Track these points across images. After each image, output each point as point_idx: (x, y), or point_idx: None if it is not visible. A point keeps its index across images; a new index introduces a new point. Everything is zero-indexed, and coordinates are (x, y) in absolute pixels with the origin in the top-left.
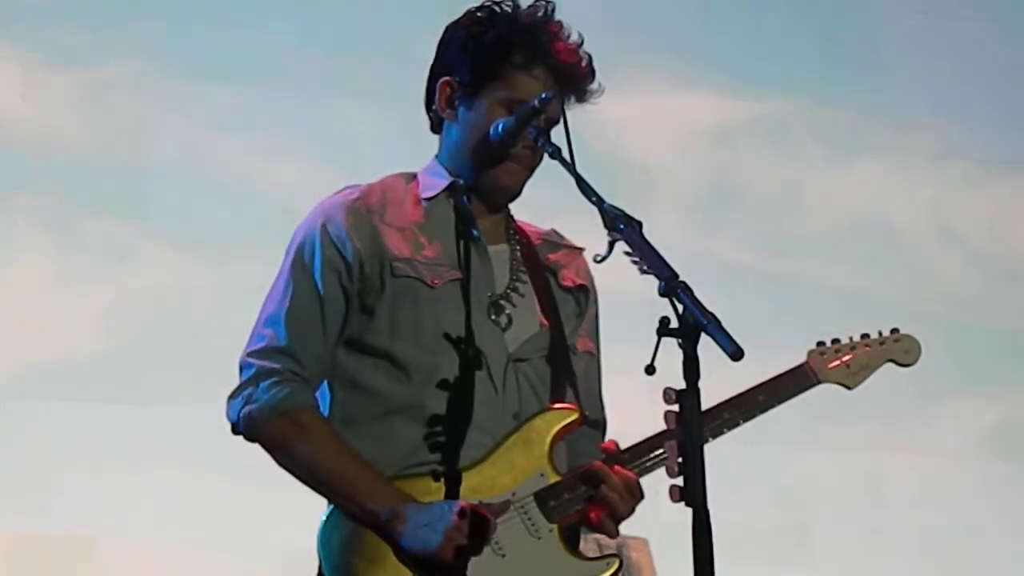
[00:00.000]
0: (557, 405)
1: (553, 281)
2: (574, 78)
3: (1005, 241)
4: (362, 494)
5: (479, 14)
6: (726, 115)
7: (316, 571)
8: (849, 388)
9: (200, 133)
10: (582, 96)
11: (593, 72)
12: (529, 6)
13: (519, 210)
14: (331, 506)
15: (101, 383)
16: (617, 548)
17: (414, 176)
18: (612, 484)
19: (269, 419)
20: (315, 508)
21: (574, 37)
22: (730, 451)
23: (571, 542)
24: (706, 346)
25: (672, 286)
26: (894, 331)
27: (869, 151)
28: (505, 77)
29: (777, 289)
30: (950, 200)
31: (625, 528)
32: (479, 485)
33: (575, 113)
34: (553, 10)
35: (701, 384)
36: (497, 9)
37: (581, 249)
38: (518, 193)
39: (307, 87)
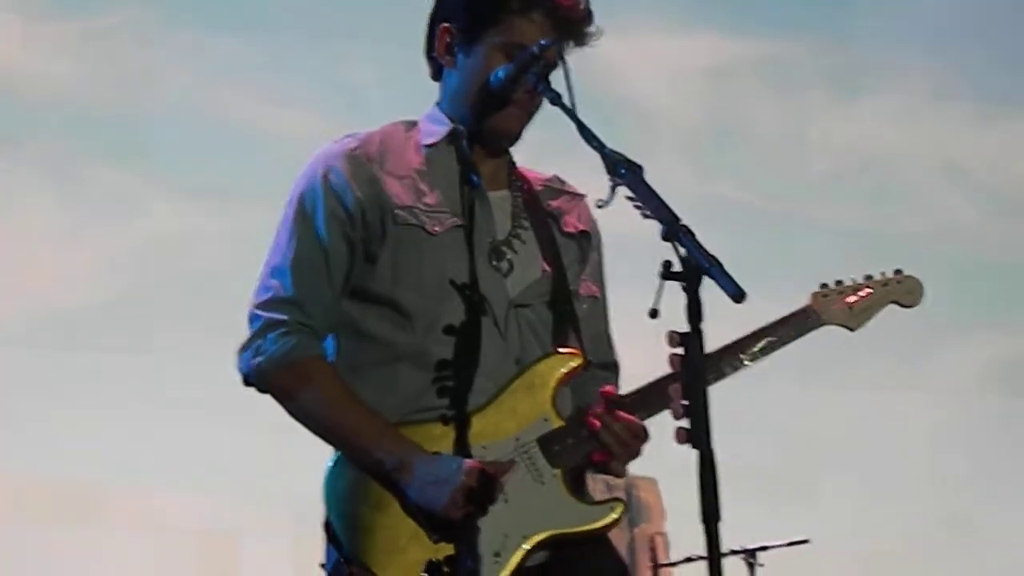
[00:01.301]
0: (561, 350)
1: (555, 227)
2: (571, 21)
3: (1007, 177)
4: (368, 442)
5: None
6: (727, 55)
7: (324, 519)
8: (852, 330)
9: (203, 81)
10: (580, 39)
11: (590, 15)
12: None
13: (520, 154)
14: (336, 454)
15: (107, 331)
16: (626, 488)
17: (414, 123)
18: (612, 428)
19: (278, 369)
20: (324, 456)
21: None
22: (737, 392)
23: (575, 485)
24: (709, 289)
25: (674, 230)
26: (897, 272)
27: (872, 90)
28: (503, 22)
29: (781, 229)
30: (952, 138)
31: (634, 468)
32: (483, 430)
33: (575, 56)
34: None
35: (704, 327)
36: None
37: (583, 195)
38: (518, 137)
39: (309, 34)
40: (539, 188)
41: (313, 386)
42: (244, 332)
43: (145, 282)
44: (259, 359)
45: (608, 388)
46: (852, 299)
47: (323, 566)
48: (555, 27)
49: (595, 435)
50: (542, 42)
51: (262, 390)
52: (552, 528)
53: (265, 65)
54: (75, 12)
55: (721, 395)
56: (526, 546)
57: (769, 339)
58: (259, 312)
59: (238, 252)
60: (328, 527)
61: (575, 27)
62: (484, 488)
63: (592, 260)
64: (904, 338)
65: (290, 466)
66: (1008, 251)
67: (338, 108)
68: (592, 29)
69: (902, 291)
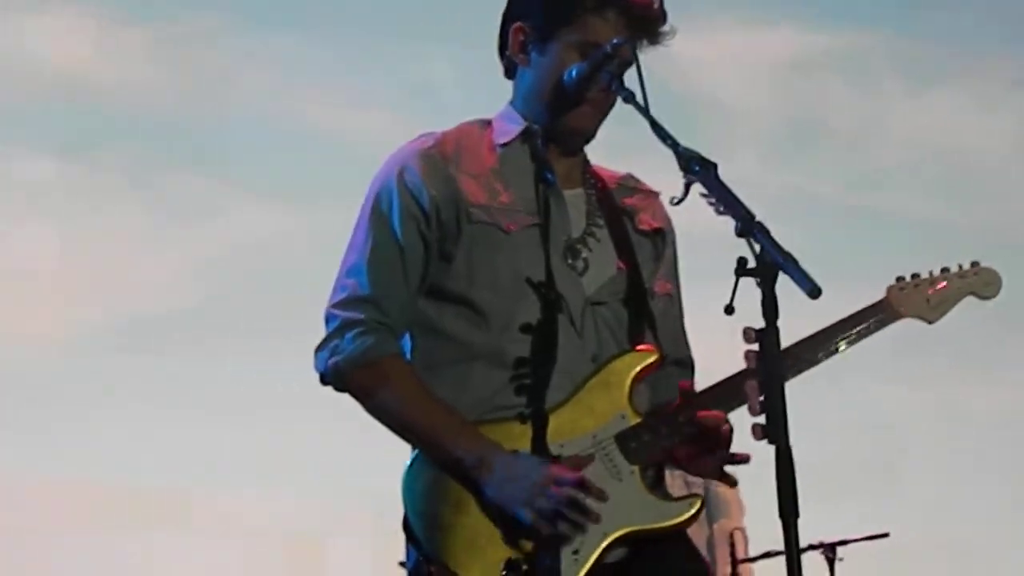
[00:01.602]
0: (637, 347)
1: (630, 225)
2: (646, 20)
3: None
4: (447, 439)
5: None
6: (802, 49)
7: (403, 518)
8: (930, 322)
9: (279, 84)
10: (654, 38)
11: (665, 14)
12: None
13: (595, 153)
14: (415, 452)
15: (192, 337)
16: (704, 484)
17: (489, 122)
18: (700, 423)
19: (355, 368)
20: (402, 455)
21: None
22: (815, 386)
23: (653, 482)
24: (784, 285)
25: (748, 226)
26: (974, 264)
27: (948, 81)
28: (577, 20)
29: (859, 222)
30: None
31: None
32: (560, 427)
33: (650, 53)
34: None
35: (780, 322)
36: None
37: (657, 193)
38: (592, 135)
39: (384, 35)
40: (613, 186)
41: (391, 384)
42: (322, 331)
43: (226, 287)
44: (336, 358)
45: (685, 383)
46: (929, 291)
47: (403, 564)
48: (629, 25)
49: (674, 431)
50: (615, 40)
51: (340, 389)
52: (630, 525)
53: (341, 67)
54: (150, 17)
55: (799, 390)
56: (604, 543)
57: (846, 333)
58: (336, 311)
59: (318, 254)
60: (407, 526)
61: (649, 25)
62: (566, 492)
63: (667, 257)
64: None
65: (369, 465)
66: None
67: (415, 108)
68: (666, 28)
69: (980, 283)
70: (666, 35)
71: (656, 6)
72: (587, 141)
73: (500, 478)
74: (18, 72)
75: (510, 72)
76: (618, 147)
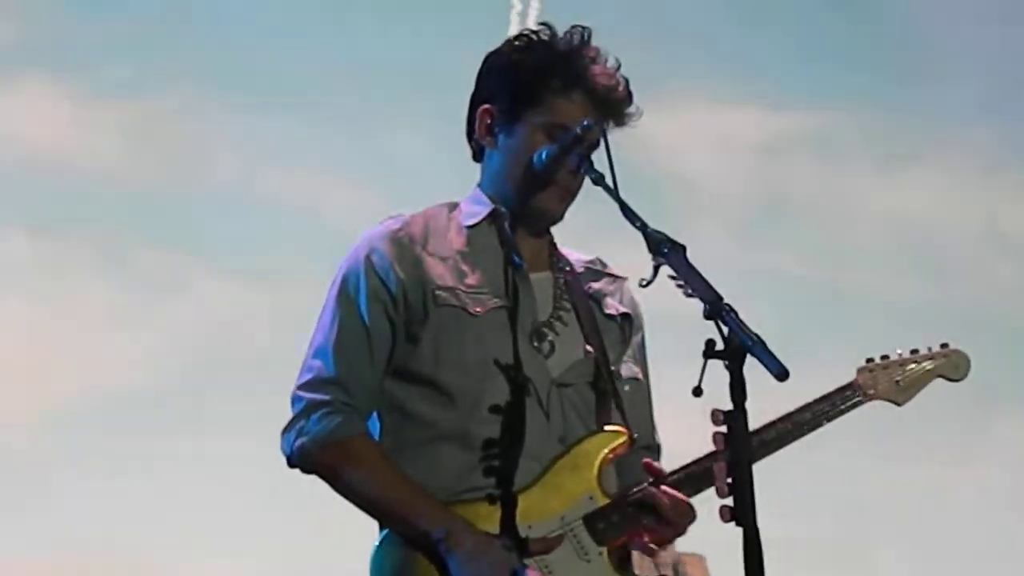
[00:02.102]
0: (606, 428)
1: (597, 309)
2: (612, 102)
3: None
4: (415, 514)
5: (517, 42)
6: (771, 129)
7: None
8: (899, 405)
9: (252, 162)
10: (621, 120)
11: (630, 95)
12: (566, 32)
13: (564, 233)
14: (383, 532)
15: (158, 413)
16: (674, 565)
17: (456, 205)
18: (661, 506)
19: (322, 449)
20: (369, 536)
21: (611, 62)
22: (791, 466)
23: (621, 563)
24: (752, 366)
25: (717, 308)
26: (943, 346)
27: (919, 159)
28: (543, 102)
29: (828, 301)
30: (1002, 208)
31: (681, 545)
32: (529, 509)
33: (621, 133)
34: (590, 36)
35: (748, 404)
36: (535, 37)
37: (625, 278)
38: (560, 218)
39: (356, 117)
40: (581, 270)
41: (358, 463)
42: (288, 412)
43: (192, 365)
44: (303, 439)
45: (651, 464)
46: (898, 373)
47: None
48: (595, 107)
49: (643, 514)
50: (585, 123)
51: (307, 471)
52: None
53: (312, 146)
54: (124, 94)
55: (771, 467)
56: None
57: (814, 416)
58: (301, 394)
59: (288, 332)
60: None
61: (615, 107)
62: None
63: (634, 342)
64: (956, 410)
65: (336, 542)
66: None
67: (383, 191)
68: (632, 109)
69: (949, 365)
70: (632, 116)
71: (621, 88)
72: (555, 223)
73: (466, 553)
74: None
75: (478, 155)
76: (587, 228)
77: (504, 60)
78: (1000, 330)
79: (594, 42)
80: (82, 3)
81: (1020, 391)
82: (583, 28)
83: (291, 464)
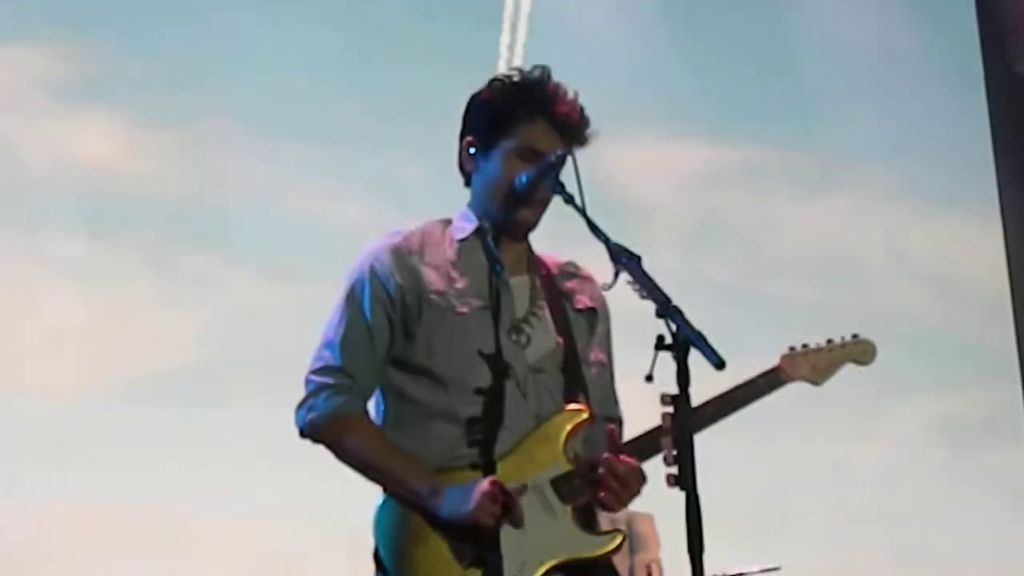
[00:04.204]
0: (571, 406)
1: (568, 305)
2: (570, 125)
3: (947, 265)
4: (405, 475)
5: (492, 84)
6: (711, 161)
7: (373, 550)
8: (817, 384)
9: (276, 181)
10: (581, 140)
11: (587, 119)
12: (529, 71)
13: (542, 241)
14: (384, 495)
15: (193, 390)
16: (627, 521)
17: (449, 221)
18: (615, 470)
19: (328, 422)
20: (373, 497)
21: (570, 94)
22: (722, 440)
23: (583, 519)
24: (695, 358)
25: (666, 309)
26: (855, 336)
27: (831, 189)
28: (513, 130)
29: (755, 306)
30: (899, 231)
31: (634, 505)
32: (506, 474)
33: (588, 164)
34: (550, 73)
35: (691, 389)
36: (506, 79)
37: (593, 279)
38: (535, 225)
39: (365, 143)
40: (556, 272)
41: (357, 435)
42: (302, 392)
43: (225, 349)
44: (312, 415)
45: (612, 432)
46: (815, 358)
47: None
48: (557, 131)
49: (600, 476)
50: (558, 152)
51: (315, 441)
52: (563, 555)
53: (327, 168)
54: (171, 123)
55: (705, 444)
56: (543, 569)
57: (744, 395)
58: (312, 377)
59: (305, 323)
60: (377, 557)
61: (573, 129)
62: (504, 499)
63: (599, 332)
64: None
65: (344, 503)
66: (945, 326)
67: (387, 206)
68: (589, 131)
69: (859, 351)
70: (590, 137)
71: (577, 113)
72: (532, 230)
73: (450, 500)
74: (56, 167)
75: (467, 181)
76: (561, 237)
77: (480, 98)
78: (896, 330)
79: (559, 79)
80: (133, 45)
81: (913, 381)
82: (543, 67)
83: (302, 435)
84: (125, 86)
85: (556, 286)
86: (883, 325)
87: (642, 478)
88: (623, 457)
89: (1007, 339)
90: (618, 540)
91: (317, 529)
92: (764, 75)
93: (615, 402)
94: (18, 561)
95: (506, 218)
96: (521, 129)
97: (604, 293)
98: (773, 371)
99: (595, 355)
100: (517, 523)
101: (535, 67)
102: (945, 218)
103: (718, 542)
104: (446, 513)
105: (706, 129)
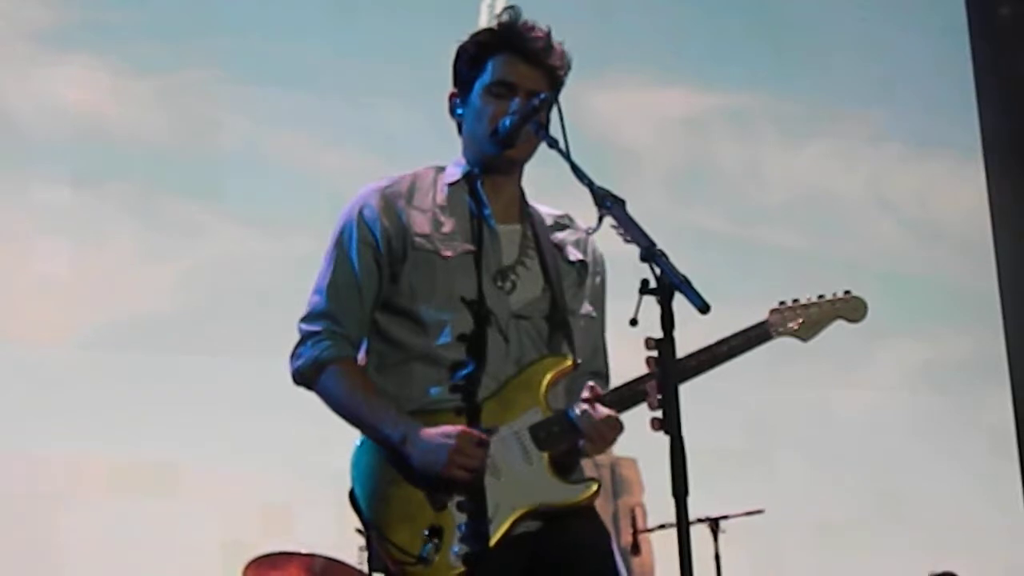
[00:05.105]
0: (553, 354)
1: (560, 256)
2: (536, 52)
3: (930, 209)
4: (378, 421)
5: (471, 34)
6: (696, 107)
7: (349, 490)
8: (804, 341)
9: (261, 129)
10: (552, 68)
11: (557, 48)
12: (501, 12)
13: (530, 187)
14: (361, 437)
15: (180, 336)
16: (611, 465)
17: (443, 168)
18: (592, 419)
19: (311, 369)
20: (352, 439)
21: (541, 27)
22: (705, 388)
23: (560, 466)
24: (680, 302)
25: (650, 253)
26: (846, 292)
27: (816, 135)
28: (484, 67)
29: (741, 251)
30: (884, 175)
31: (618, 449)
32: (487, 419)
33: (573, 108)
34: (520, 13)
35: (676, 334)
36: (485, 27)
37: (587, 231)
38: (526, 161)
39: (349, 90)
40: (550, 223)
41: (338, 381)
42: (293, 338)
43: (211, 295)
44: (299, 362)
45: (593, 386)
46: (804, 315)
47: (359, 531)
48: (526, 60)
49: (576, 424)
50: (542, 95)
51: (307, 388)
52: (535, 501)
53: (313, 116)
54: (152, 69)
55: (691, 391)
56: (514, 516)
57: (730, 348)
58: (301, 326)
59: (290, 271)
60: (352, 498)
61: (540, 56)
62: (476, 445)
63: (590, 285)
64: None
65: (329, 448)
66: (929, 269)
67: (374, 153)
68: (557, 61)
69: (849, 308)
70: (566, 66)
71: (543, 42)
72: (521, 165)
73: (421, 449)
74: (41, 113)
75: (460, 129)
76: (546, 182)
77: (460, 48)
78: (880, 276)
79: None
80: None
81: (895, 328)
82: (513, 6)
83: (295, 382)
84: (108, 34)
85: (548, 237)
86: (867, 270)
87: (619, 428)
88: (599, 407)
89: (989, 283)
90: (592, 490)
91: (303, 475)
92: (750, 21)
93: (604, 356)
94: (7, 507)
95: (493, 156)
96: (491, 64)
97: (596, 242)
98: (760, 325)
99: (585, 307)
100: (492, 471)
101: (507, 7)
102: (928, 162)
103: (702, 485)
104: (417, 463)
105: (692, 74)
